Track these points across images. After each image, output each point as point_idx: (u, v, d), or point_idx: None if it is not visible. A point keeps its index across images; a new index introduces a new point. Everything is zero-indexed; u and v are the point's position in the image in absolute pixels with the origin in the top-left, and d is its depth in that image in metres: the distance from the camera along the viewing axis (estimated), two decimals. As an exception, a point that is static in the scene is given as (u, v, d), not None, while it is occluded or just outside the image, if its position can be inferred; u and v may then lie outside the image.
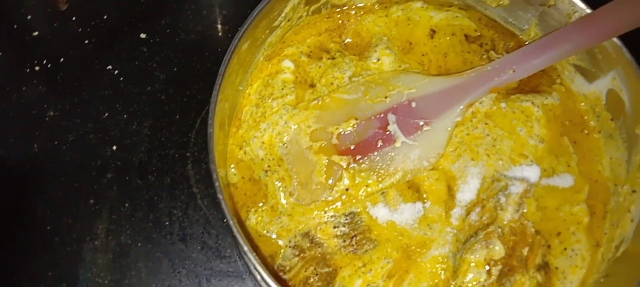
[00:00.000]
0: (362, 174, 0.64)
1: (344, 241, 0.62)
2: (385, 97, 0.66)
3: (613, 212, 0.64)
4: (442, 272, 0.60)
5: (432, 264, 0.61)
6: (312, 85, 0.69)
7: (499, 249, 0.60)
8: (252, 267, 0.65)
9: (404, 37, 0.74)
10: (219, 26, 0.85)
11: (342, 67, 0.69)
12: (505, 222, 0.62)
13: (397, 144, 0.64)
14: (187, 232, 0.70)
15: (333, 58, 0.70)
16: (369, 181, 0.64)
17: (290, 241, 0.62)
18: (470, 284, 0.59)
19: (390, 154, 0.64)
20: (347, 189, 0.63)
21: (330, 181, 0.63)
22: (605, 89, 0.67)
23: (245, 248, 0.52)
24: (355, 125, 0.65)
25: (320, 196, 0.63)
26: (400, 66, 0.70)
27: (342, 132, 0.64)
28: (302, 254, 0.61)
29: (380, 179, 0.64)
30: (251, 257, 0.52)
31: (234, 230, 0.53)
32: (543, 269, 0.61)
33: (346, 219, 0.63)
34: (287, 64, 0.70)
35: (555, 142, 0.67)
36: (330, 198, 0.63)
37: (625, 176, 0.64)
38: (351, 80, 0.68)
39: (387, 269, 0.60)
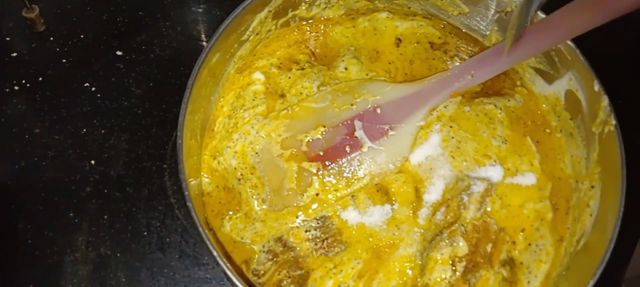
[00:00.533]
0: (332, 179, 0.66)
1: (316, 244, 0.64)
2: (352, 105, 0.68)
3: (575, 207, 0.67)
4: (410, 270, 0.62)
5: (401, 263, 0.62)
6: (283, 96, 0.71)
7: (462, 246, 0.62)
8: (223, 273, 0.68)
9: (371, 46, 0.76)
10: (193, 41, 0.87)
11: (311, 77, 0.71)
12: (467, 220, 0.64)
13: (364, 149, 0.67)
14: (165, 242, 0.72)
15: (302, 69, 0.73)
16: (339, 185, 0.66)
17: (263, 246, 0.64)
18: (436, 281, 0.61)
19: (358, 158, 0.66)
20: (317, 194, 0.65)
21: (301, 187, 0.65)
22: (564, 90, 0.70)
23: (215, 253, 0.54)
24: (324, 133, 0.67)
25: (292, 202, 0.65)
26: (367, 74, 0.73)
27: (311, 140, 0.67)
28: (275, 258, 0.63)
29: (349, 183, 0.66)
30: (221, 262, 0.54)
31: (204, 236, 0.55)
32: (508, 265, 0.63)
33: (317, 223, 0.65)
34: (258, 76, 0.72)
35: (518, 142, 0.70)
36: (301, 203, 0.65)
37: (585, 172, 0.67)
38: (319, 90, 0.70)
39: (358, 270, 0.62)
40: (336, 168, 0.66)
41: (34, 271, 0.69)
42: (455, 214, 0.64)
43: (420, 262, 0.62)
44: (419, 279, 0.62)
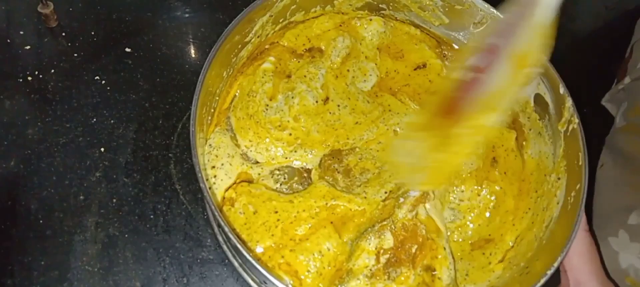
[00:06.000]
0: None
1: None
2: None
3: (542, 197, 0.70)
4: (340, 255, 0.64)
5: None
6: (289, 76, 0.72)
7: (388, 239, 0.63)
8: (230, 254, 0.69)
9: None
10: (198, 41, 0.89)
11: (318, 64, 0.73)
12: (399, 218, 0.65)
13: None
14: (171, 225, 0.73)
15: (313, 57, 0.75)
16: None
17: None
18: (359, 267, 0.62)
19: None
20: None
21: None
22: (533, 94, 0.74)
23: (227, 229, 0.55)
24: None
25: None
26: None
27: None
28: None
29: None
30: (228, 233, 0.55)
31: (209, 204, 0.55)
32: (430, 271, 0.64)
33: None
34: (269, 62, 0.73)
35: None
36: None
37: (552, 166, 0.70)
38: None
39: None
40: None
41: (45, 249, 0.69)
42: (389, 211, 0.66)
43: (349, 249, 0.64)
44: (345, 264, 0.63)
